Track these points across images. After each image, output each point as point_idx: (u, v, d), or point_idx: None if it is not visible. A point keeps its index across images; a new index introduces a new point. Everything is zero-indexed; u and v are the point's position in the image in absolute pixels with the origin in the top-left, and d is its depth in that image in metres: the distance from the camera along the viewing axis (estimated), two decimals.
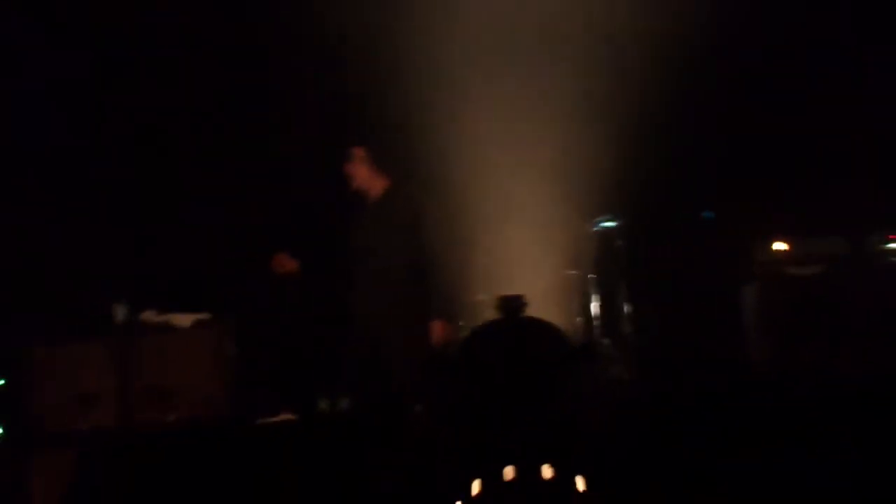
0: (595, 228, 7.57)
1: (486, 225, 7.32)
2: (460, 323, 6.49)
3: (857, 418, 4.89)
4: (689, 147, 7.79)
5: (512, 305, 4.68)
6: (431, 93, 7.35)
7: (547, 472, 4.17)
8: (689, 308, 7.48)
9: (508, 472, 4.17)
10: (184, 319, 6.59)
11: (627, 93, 7.50)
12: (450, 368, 4.89)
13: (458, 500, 4.18)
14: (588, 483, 4.21)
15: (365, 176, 5.97)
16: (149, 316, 6.57)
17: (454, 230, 6.11)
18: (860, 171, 7.51)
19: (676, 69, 7.54)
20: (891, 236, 6.94)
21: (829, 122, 7.67)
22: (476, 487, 4.16)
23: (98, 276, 7.08)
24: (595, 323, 7.49)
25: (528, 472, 4.17)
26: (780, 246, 6.99)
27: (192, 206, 7.72)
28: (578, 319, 7.60)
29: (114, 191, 7.65)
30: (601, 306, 7.55)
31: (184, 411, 6.20)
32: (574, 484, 4.17)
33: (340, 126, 7.26)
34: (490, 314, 5.13)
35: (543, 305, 5.54)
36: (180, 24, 7.63)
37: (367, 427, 5.25)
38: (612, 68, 7.53)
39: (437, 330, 5.67)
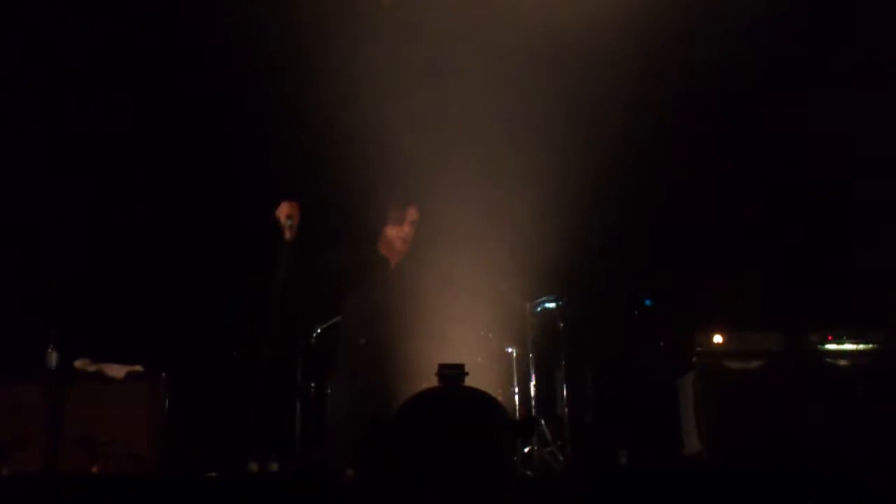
0: (537, 308, 7.57)
1: (427, 299, 7.32)
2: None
3: None
4: (635, 233, 7.89)
5: (452, 374, 4.67)
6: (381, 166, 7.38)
7: None
8: (626, 392, 7.53)
9: None
10: (117, 370, 6.51)
11: (574, 178, 7.59)
12: (387, 434, 4.85)
13: None
14: None
15: (413, 237, 5.84)
16: (82, 364, 6.48)
17: None
18: (806, 270, 7.63)
19: (623, 155, 7.67)
20: (829, 337, 7.01)
21: (779, 221, 7.81)
22: None
23: (32, 320, 6.97)
24: (532, 402, 7.47)
25: None
26: (718, 338, 7.05)
27: (137, 257, 7.65)
28: (516, 397, 7.58)
29: (55, 233, 7.57)
30: (538, 386, 7.54)
31: (110, 463, 6.09)
32: None
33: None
34: (427, 384, 5.10)
35: (482, 380, 5.53)
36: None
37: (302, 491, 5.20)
38: (559, 151, 7.62)
39: None
